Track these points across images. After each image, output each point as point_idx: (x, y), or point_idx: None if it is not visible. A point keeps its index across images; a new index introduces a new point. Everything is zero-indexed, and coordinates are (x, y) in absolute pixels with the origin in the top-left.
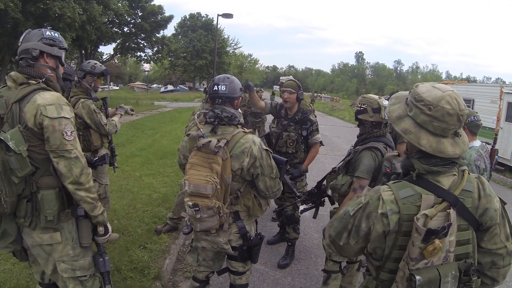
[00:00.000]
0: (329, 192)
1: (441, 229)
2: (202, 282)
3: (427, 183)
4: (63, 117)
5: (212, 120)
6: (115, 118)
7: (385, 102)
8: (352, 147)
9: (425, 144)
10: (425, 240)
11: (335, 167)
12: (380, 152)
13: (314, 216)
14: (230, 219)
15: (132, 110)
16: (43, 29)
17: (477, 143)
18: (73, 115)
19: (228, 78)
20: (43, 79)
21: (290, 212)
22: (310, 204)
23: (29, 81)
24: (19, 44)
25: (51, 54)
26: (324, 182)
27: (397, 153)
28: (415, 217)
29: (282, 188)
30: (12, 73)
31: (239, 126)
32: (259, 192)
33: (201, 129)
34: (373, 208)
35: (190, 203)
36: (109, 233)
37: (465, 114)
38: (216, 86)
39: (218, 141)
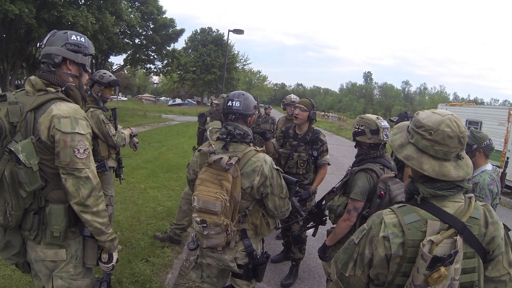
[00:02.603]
0: (327, 212)
1: (447, 257)
2: None
3: (433, 207)
4: (77, 132)
5: (225, 136)
6: (125, 132)
7: (383, 123)
8: (349, 168)
9: (428, 168)
10: (430, 267)
11: (334, 187)
12: (375, 174)
13: (314, 234)
14: (237, 237)
15: (135, 145)
16: (68, 32)
17: (489, 166)
18: (90, 131)
19: (243, 94)
20: (63, 88)
21: (297, 232)
22: (311, 223)
23: (48, 88)
24: (43, 46)
25: (75, 61)
26: (324, 202)
27: (394, 174)
28: (421, 243)
29: (290, 208)
30: (32, 77)
31: (251, 144)
32: (267, 211)
33: (213, 145)
34: (376, 232)
35: (198, 219)
36: (113, 263)
37: (465, 136)
38: (230, 102)
39: (230, 158)
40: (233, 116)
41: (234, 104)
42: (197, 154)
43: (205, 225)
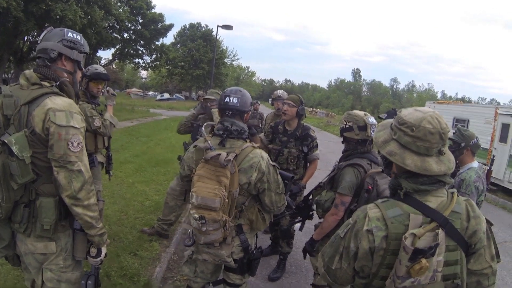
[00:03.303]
0: (314, 207)
1: (428, 249)
2: None
3: (416, 202)
4: (72, 126)
5: (221, 132)
6: (107, 115)
7: (371, 120)
8: (337, 163)
9: (410, 163)
10: (412, 259)
11: (321, 182)
12: (363, 169)
13: (300, 229)
14: (233, 232)
15: (113, 94)
16: (65, 29)
17: (475, 164)
18: (84, 125)
19: (240, 91)
20: (58, 82)
21: (286, 226)
22: (299, 217)
23: (42, 82)
24: (39, 42)
25: (70, 57)
26: (311, 197)
27: (381, 170)
28: (403, 236)
29: (286, 203)
30: (27, 71)
31: (248, 140)
32: (263, 207)
33: (209, 141)
34: (360, 226)
35: (197, 216)
36: (101, 257)
37: (447, 133)
38: (227, 98)
39: (227, 154)
40: (230, 112)
41: (231, 100)
42: (192, 150)
43: (203, 221)
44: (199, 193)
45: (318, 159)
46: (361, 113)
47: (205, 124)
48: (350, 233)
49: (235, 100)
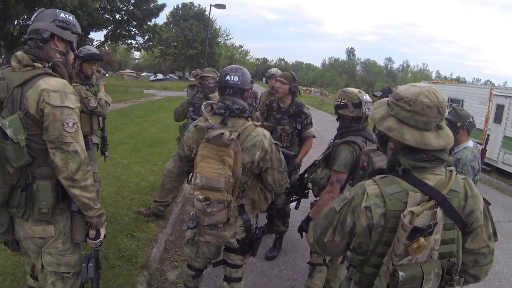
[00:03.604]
0: (310, 185)
1: (426, 228)
2: (198, 271)
3: (414, 179)
4: (67, 106)
5: (223, 111)
6: (101, 94)
7: (365, 97)
8: (332, 141)
9: (409, 138)
10: (410, 237)
11: (316, 160)
12: (358, 146)
13: (296, 207)
14: (236, 213)
15: (104, 74)
16: (57, 10)
17: (470, 143)
18: (79, 105)
19: (240, 69)
20: (50, 63)
21: (281, 206)
22: (294, 196)
23: (34, 63)
24: (30, 23)
25: (63, 37)
26: (306, 175)
27: (376, 147)
28: (401, 214)
29: (288, 181)
30: (18, 53)
31: (249, 119)
32: (265, 185)
33: (210, 120)
34: (358, 202)
35: (201, 197)
36: (100, 239)
37: (444, 106)
38: (228, 76)
39: (230, 133)
40: (231, 91)
41: (232, 79)
42: (193, 129)
43: (208, 202)
44: (203, 173)
45: (314, 136)
46: (355, 90)
47: (204, 103)
48: (347, 208)
49: (236, 78)
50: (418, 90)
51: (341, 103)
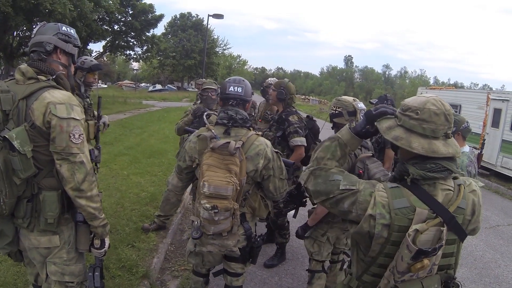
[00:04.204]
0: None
1: (432, 250)
2: (205, 276)
3: (423, 193)
4: (73, 118)
5: (226, 121)
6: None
7: (360, 105)
8: None
9: (417, 146)
10: (414, 258)
11: None
12: (353, 153)
13: (294, 216)
14: (238, 221)
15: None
16: (59, 23)
17: (466, 148)
18: (84, 116)
19: (243, 80)
20: (54, 76)
21: (274, 217)
22: (292, 205)
23: (38, 76)
24: (33, 36)
25: (65, 50)
26: None
27: (371, 154)
28: (407, 234)
29: (287, 188)
30: (22, 66)
31: (251, 128)
32: (266, 193)
33: (213, 130)
34: (362, 200)
35: (208, 205)
36: (105, 248)
37: (451, 114)
38: (232, 87)
39: (235, 142)
40: (234, 102)
41: (236, 90)
42: (195, 139)
43: (216, 210)
44: (211, 182)
45: (303, 145)
46: (350, 98)
47: (205, 113)
48: (350, 196)
49: (239, 89)
50: (424, 99)
51: (336, 112)
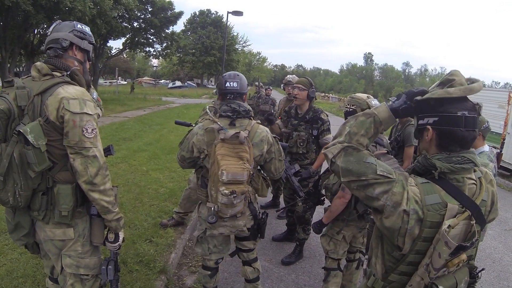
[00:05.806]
0: (323, 191)
1: (470, 245)
2: (213, 270)
3: (452, 187)
4: (86, 113)
5: (230, 114)
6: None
7: (374, 102)
8: None
9: (454, 90)
10: (453, 253)
11: None
12: (368, 150)
13: (311, 214)
14: (246, 203)
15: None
16: (74, 21)
17: (486, 148)
18: (97, 111)
19: (238, 75)
20: (69, 72)
21: (301, 213)
22: (310, 203)
23: (53, 72)
24: (49, 34)
25: (80, 47)
26: (321, 181)
27: (386, 151)
28: (443, 230)
29: (284, 167)
30: (38, 63)
31: (252, 118)
32: (267, 174)
33: (218, 122)
34: (396, 192)
35: (227, 191)
36: (119, 242)
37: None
38: (228, 83)
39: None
40: (232, 96)
41: (232, 85)
42: (202, 132)
43: (235, 195)
44: (228, 170)
45: None
46: (364, 96)
47: (208, 106)
48: (385, 184)
49: (235, 84)
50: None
51: (350, 109)
